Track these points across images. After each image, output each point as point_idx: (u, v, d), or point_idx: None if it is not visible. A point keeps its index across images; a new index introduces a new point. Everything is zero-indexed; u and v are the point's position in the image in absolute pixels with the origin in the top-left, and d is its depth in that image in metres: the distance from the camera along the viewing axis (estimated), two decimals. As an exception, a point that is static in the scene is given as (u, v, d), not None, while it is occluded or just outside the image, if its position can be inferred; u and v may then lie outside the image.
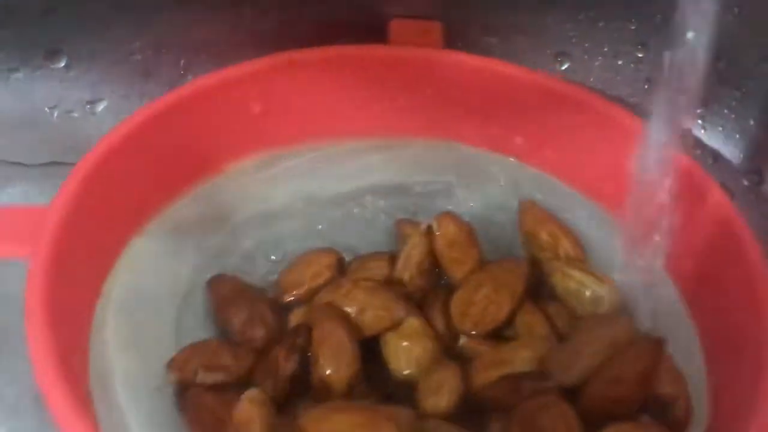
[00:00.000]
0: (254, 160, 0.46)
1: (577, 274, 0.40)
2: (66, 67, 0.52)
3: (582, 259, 0.42)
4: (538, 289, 0.41)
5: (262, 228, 0.45)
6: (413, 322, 0.39)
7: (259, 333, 0.40)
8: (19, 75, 0.52)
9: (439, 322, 0.40)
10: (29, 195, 0.51)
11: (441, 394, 0.37)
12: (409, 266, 0.42)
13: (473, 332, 0.39)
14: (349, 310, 0.39)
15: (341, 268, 0.43)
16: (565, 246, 0.42)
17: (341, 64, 0.45)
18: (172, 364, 0.38)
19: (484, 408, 0.37)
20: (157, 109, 0.42)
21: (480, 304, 0.40)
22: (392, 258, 0.43)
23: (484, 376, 0.37)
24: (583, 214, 0.44)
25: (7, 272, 0.44)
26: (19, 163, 0.52)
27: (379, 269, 0.42)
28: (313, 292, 0.41)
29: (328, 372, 0.37)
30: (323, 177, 0.46)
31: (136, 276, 0.41)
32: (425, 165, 0.46)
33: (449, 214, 0.43)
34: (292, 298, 0.42)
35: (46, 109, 0.53)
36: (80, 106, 0.53)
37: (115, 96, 0.53)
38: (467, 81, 0.45)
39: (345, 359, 0.37)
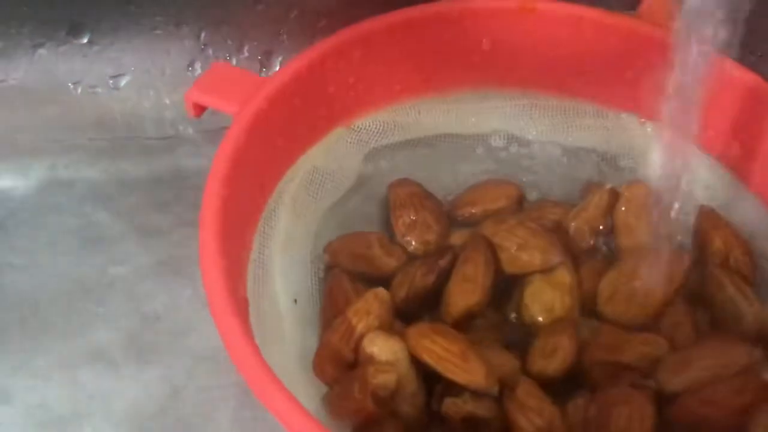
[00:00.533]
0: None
1: (730, 287, 0.40)
2: (89, 42, 0.52)
3: (750, 270, 0.42)
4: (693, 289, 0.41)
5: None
6: (565, 274, 0.40)
7: (417, 239, 0.43)
8: (43, 51, 0.52)
9: (588, 286, 0.41)
10: (56, 168, 0.51)
11: (553, 358, 0.37)
12: (580, 219, 0.43)
13: (611, 318, 0.40)
14: (508, 244, 0.41)
15: (520, 202, 0.45)
16: (737, 253, 0.42)
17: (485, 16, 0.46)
18: (328, 248, 0.43)
19: (577, 381, 0.37)
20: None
21: (627, 292, 0.40)
22: (569, 208, 0.44)
23: (597, 355, 0.38)
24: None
25: (38, 247, 0.47)
26: (45, 138, 0.52)
27: (553, 215, 0.44)
28: (485, 215, 0.44)
29: (453, 297, 0.39)
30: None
31: (320, 162, 0.44)
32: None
33: (641, 183, 0.43)
34: (466, 215, 0.45)
35: (69, 84, 0.53)
36: (103, 81, 0.53)
37: (138, 71, 0.53)
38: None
39: (473, 290, 0.39)
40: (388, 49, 0.45)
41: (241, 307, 0.34)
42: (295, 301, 0.40)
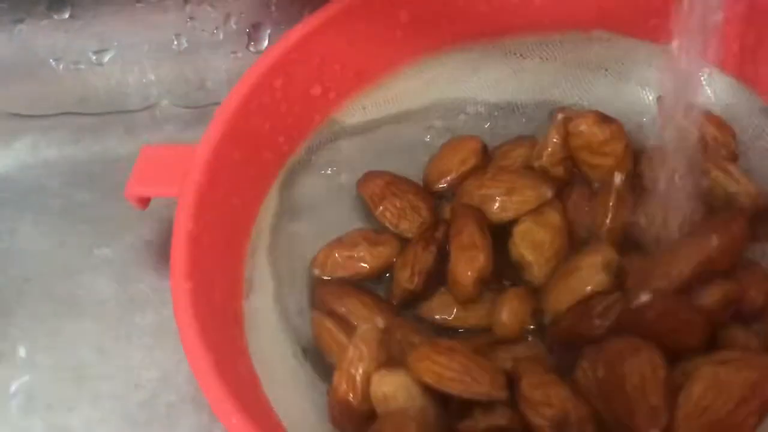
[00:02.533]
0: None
1: (713, 172, 0.39)
2: (71, 17, 0.50)
3: (731, 144, 0.41)
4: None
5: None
6: (554, 215, 0.40)
7: (412, 223, 0.42)
8: (23, 26, 0.50)
9: (575, 215, 0.41)
10: (38, 146, 0.50)
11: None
12: (540, 155, 0.42)
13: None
14: (496, 191, 0.40)
15: (486, 153, 0.44)
16: (712, 131, 0.41)
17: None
18: (314, 262, 0.41)
19: (573, 342, 0.37)
20: (306, 30, 0.42)
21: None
22: (534, 145, 0.43)
23: (558, 300, 0.38)
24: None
25: (22, 229, 0.46)
26: (27, 116, 0.51)
27: (521, 157, 0.43)
28: (462, 178, 0.43)
29: (459, 268, 0.39)
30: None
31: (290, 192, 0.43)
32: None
33: (591, 114, 0.41)
34: (444, 186, 0.43)
35: (51, 60, 0.51)
36: (86, 57, 0.51)
37: (121, 46, 0.51)
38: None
39: (475, 256, 0.38)
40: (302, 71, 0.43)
41: (239, 387, 0.34)
42: (304, 350, 0.39)
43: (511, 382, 0.35)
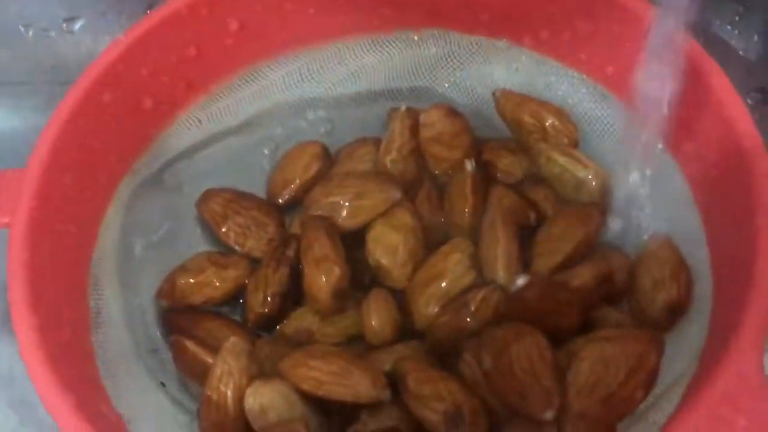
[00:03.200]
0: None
1: (561, 158, 0.40)
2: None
3: (572, 131, 0.41)
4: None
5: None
6: (405, 215, 0.39)
7: (259, 240, 0.40)
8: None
9: (425, 212, 0.40)
10: (7, 114, 0.49)
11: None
12: (392, 152, 0.41)
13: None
14: (344, 197, 0.39)
15: (328, 157, 0.43)
16: (551, 120, 0.41)
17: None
18: (159, 293, 0.39)
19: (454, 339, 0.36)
20: (131, 40, 0.39)
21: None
22: (378, 143, 0.42)
23: (428, 304, 0.37)
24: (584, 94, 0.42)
25: None
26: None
27: (367, 156, 0.42)
28: (307, 185, 0.41)
29: (314, 282, 0.37)
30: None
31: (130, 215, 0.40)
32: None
33: (442, 106, 0.41)
34: (289, 196, 0.42)
35: (20, 27, 0.49)
36: (56, 24, 0.49)
37: (93, 13, 0.49)
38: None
39: (330, 267, 0.37)
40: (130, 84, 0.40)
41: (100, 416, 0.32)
42: (162, 384, 0.37)
43: (394, 381, 0.34)
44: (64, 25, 0.50)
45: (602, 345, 0.33)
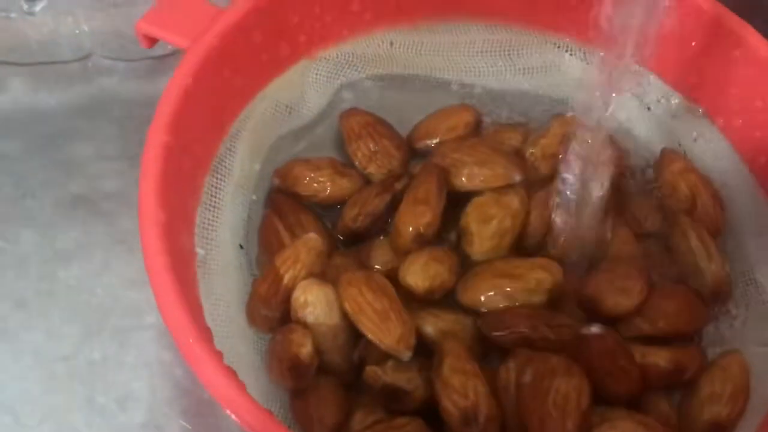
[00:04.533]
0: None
1: (694, 241, 0.39)
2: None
3: (719, 219, 0.41)
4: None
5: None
6: (515, 200, 0.39)
7: (380, 168, 0.41)
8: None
9: (535, 213, 0.40)
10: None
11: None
12: (538, 145, 0.42)
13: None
14: (468, 159, 0.40)
15: (478, 127, 0.43)
16: (704, 200, 0.41)
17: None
18: (277, 172, 0.41)
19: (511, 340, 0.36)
20: None
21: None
22: (527, 133, 0.43)
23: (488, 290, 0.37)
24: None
25: None
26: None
27: (511, 140, 0.43)
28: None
29: (404, 218, 0.38)
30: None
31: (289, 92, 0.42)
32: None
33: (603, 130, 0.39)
34: (425, 146, 0.43)
35: None
36: (17, 5, 0.48)
37: None
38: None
39: (423, 212, 0.38)
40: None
41: (183, 262, 0.33)
42: (241, 246, 0.39)
43: (431, 347, 0.35)
44: (25, 6, 0.48)
45: (637, 428, 0.33)
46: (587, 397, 0.33)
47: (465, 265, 0.39)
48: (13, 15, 0.48)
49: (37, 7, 0.48)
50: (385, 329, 0.34)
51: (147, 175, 0.33)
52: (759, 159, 0.41)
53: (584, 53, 0.45)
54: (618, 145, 0.41)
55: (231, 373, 0.29)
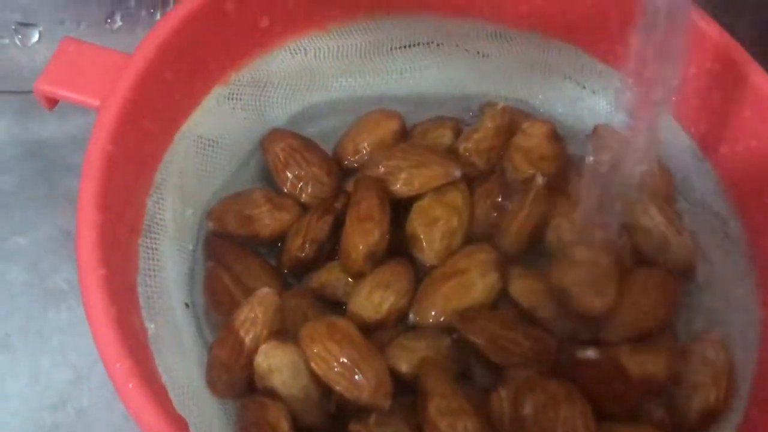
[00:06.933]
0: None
1: (658, 217, 0.39)
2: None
3: (668, 182, 0.40)
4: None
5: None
6: (457, 196, 0.38)
7: (313, 191, 0.39)
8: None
9: (480, 207, 0.39)
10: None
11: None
12: (470, 140, 0.41)
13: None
14: (405, 164, 0.39)
15: (404, 133, 0.42)
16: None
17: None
18: (211, 214, 0.39)
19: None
20: None
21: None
22: (456, 128, 0.42)
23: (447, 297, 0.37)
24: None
25: None
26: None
27: (441, 138, 0.42)
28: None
29: (351, 239, 0.37)
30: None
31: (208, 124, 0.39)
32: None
33: (547, 124, 0.40)
34: (354, 164, 0.41)
35: None
36: (10, 32, 0.46)
37: (50, 22, 0.46)
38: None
39: (371, 229, 0.37)
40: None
41: (138, 346, 0.31)
42: (186, 305, 0.37)
43: (412, 380, 0.34)
44: (19, 36, 0.47)
45: None
46: (593, 420, 0.33)
47: (422, 272, 0.38)
48: (5, 41, 0.46)
49: (33, 35, 0.47)
50: (359, 384, 0.33)
51: (87, 267, 0.30)
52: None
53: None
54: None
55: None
